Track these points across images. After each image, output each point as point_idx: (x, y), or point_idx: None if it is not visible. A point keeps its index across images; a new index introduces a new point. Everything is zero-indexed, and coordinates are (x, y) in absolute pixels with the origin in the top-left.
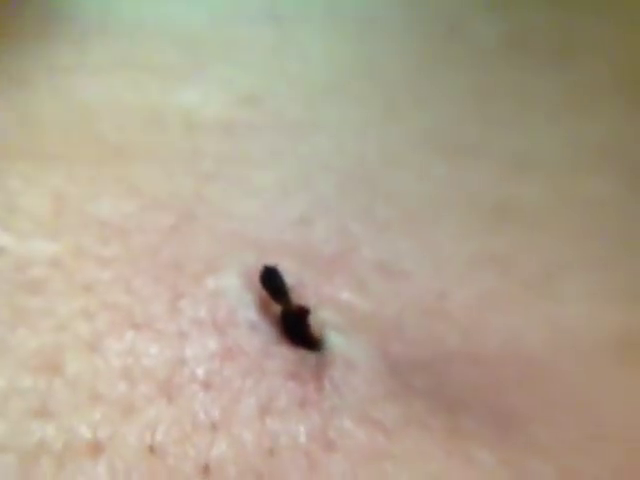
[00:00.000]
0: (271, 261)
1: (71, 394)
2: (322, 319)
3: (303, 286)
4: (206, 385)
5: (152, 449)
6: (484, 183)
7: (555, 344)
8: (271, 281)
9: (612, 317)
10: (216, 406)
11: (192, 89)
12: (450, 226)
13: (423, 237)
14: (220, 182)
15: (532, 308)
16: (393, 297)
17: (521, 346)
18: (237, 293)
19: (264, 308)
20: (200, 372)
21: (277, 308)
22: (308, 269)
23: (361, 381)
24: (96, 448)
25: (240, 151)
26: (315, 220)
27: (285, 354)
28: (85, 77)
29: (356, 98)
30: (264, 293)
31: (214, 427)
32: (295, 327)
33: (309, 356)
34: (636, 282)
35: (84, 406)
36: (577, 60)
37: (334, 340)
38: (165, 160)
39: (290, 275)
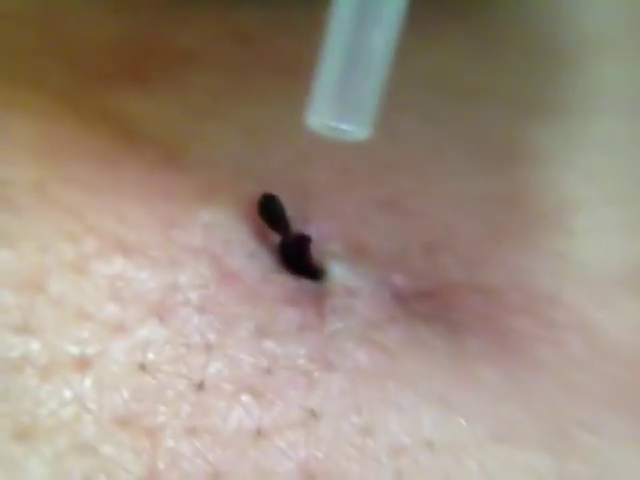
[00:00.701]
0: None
1: (56, 312)
2: (323, 250)
3: (304, 219)
4: (200, 309)
5: (143, 366)
6: (491, 124)
7: (564, 275)
8: (270, 210)
9: (625, 250)
10: (211, 329)
11: None
12: (456, 164)
13: (427, 175)
14: (217, 119)
15: (542, 242)
16: (396, 231)
17: (528, 277)
18: (234, 223)
19: (262, 238)
20: (194, 296)
21: (276, 238)
22: (309, 204)
23: (363, 307)
24: (83, 363)
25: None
26: (316, 157)
27: (284, 281)
28: None
29: None
30: (262, 224)
31: (209, 348)
32: (295, 256)
33: (309, 285)
34: None
35: (70, 324)
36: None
37: (336, 270)
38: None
39: (290, 208)
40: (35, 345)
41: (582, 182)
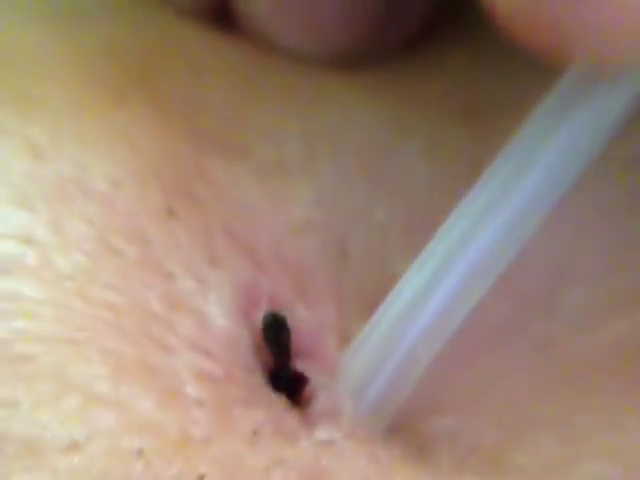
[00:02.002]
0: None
1: (42, 383)
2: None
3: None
4: (199, 402)
5: (141, 452)
6: None
7: None
8: (276, 334)
9: None
10: (209, 423)
11: None
12: None
13: None
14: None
15: None
16: None
17: None
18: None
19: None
20: (192, 389)
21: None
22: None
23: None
24: (73, 445)
25: None
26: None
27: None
28: None
29: None
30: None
31: (207, 442)
32: (286, 388)
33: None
34: None
35: (60, 398)
36: None
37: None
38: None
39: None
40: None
41: None
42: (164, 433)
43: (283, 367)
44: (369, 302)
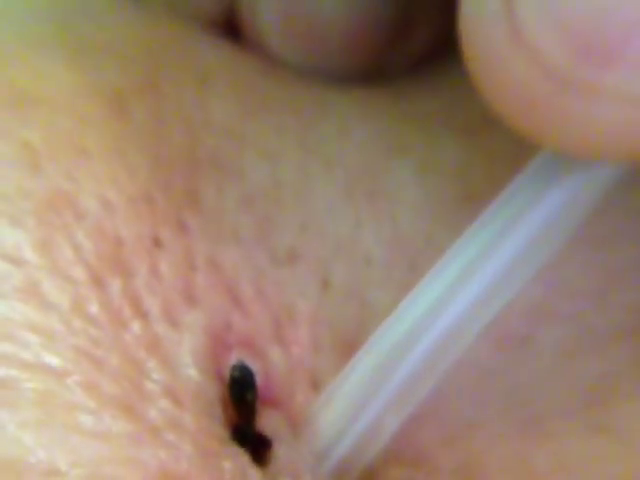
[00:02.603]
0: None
1: None
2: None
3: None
4: None
5: None
6: None
7: None
8: (242, 392)
9: None
10: None
11: None
12: None
13: None
14: None
15: None
16: None
17: None
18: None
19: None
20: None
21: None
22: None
23: None
24: None
25: None
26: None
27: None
28: None
29: None
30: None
31: None
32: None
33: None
34: None
35: None
36: None
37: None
38: None
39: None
40: None
41: None
42: (145, 467)
43: (247, 426)
44: (347, 342)
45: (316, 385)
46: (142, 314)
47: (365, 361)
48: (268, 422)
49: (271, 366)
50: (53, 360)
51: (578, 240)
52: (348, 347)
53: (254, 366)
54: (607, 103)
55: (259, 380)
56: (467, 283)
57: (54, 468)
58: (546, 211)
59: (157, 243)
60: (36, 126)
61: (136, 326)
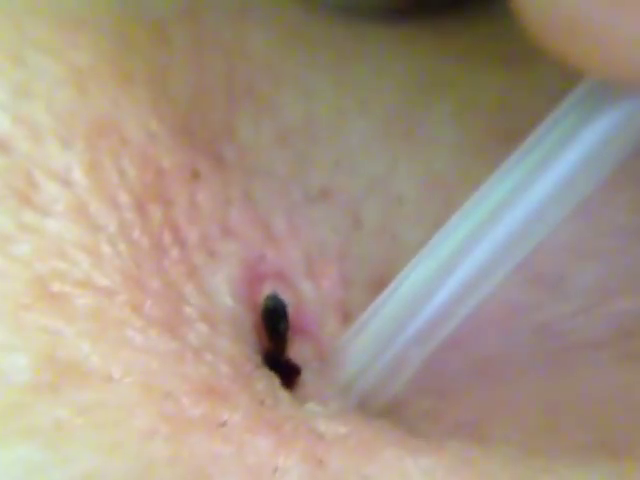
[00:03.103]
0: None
1: None
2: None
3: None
4: None
5: None
6: None
7: None
8: (276, 321)
9: None
10: None
11: None
12: None
13: None
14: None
15: None
16: None
17: None
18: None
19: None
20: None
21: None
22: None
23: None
24: None
25: None
26: None
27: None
28: None
29: None
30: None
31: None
32: (280, 372)
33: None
34: None
35: None
36: None
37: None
38: None
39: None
40: None
41: None
42: (190, 381)
43: (278, 354)
44: (377, 279)
45: (346, 318)
46: (181, 242)
47: (395, 296)
48: (298, 350)
49: (302, 298)
50: (102, 280)
51: (620, 177)
52: (378, 283)
53: (286, 297)
54: None
55: (290, 311)
56: (500, 219)
57: (108, 375)
58: (583, 146)
59: (195, 175)
60: (83, 48)
61: (175, 253)
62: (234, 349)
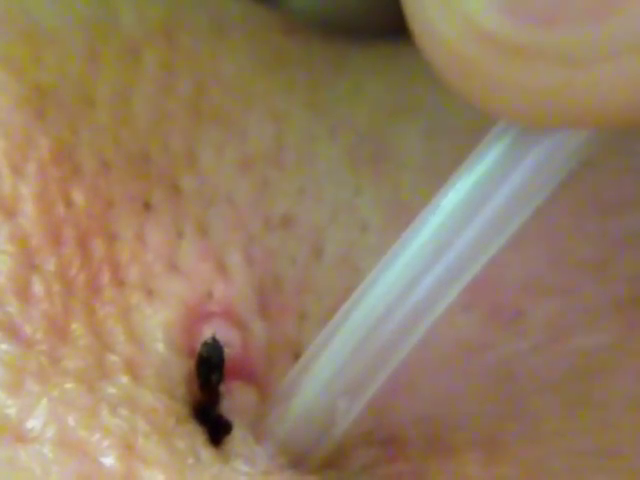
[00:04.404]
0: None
1: None
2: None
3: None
4: None
5: None
6: None
7: None
8: (207, 373)
9: None
10: None
11: None
12: None
13: None
14: None
15: None
16: None
17: None
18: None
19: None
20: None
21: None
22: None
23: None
24: None
25: None
26: None
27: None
28: None
29: None
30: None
31: None
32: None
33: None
34: None
35: None
36: None
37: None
38: None
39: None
40: None
41: None
42: (108, 438)
43: (210, 407)
44: (335, 312)
45: (297, 358)
46: (118, 281)
47: (338, 333)
48: (240, 398)
49: (251, 338)
50: (26, 327)
51: (582, 210)
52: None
53: (232, 338)
54: (546, 66)
55: (236, 353)
56: (444, 250)
57: (25, 429)
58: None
59: (147, 207)
60: (48, 67)
61: (109, 293)
62: (156, 402)
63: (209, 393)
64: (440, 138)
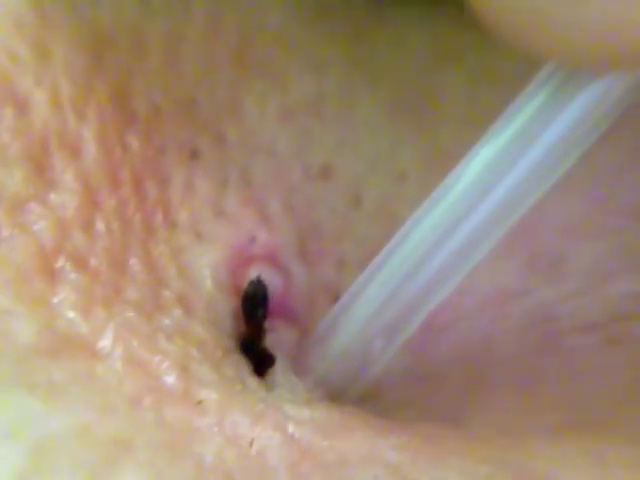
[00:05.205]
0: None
1: None
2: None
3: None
4: None
5: None
6: None
7: None
8: (252, 309)
9: None
10: None
11: None
12: None
13: None
14: None
15: None
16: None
17: None
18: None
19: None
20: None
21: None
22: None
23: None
24: None
25: None
26: None
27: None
28: None
29: None
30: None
31: None
32: (251, 355)
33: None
34: None
35: None
36: None
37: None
38: None
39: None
40: None
41: None
42: (167, 360)
43: (254, 341)
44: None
45: (337, 300)
46: (171, 223)
47: (376, 276)
48: (281, 336)
49: (292, 282)
50: (91, 259)
51: (627, 153)
52: None
53: (275, 281)
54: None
55: (278, 295)
56: (497, 178)
57: (98, 348)
58: (559, 124)
59: (195, 154)
60: (104, 8)
61: (163, 234)
62: (206, 334)
63: (254, 328)
64: (482, 87)
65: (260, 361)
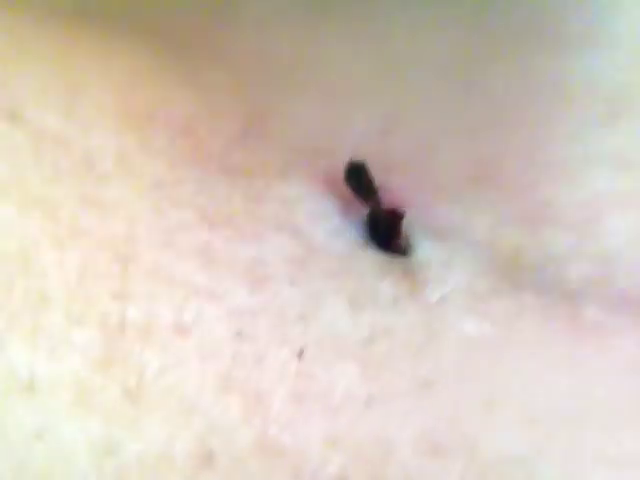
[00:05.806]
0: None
1: (149, 280)
2: (411, 225)
3: (388, 191)
4: (290, 282)
5: (240, 334)
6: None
7: None
8: (358, 178)
9: None
10: (303, 301)
11: None
12: (556, 126)
13: (522, 140)
14: (295, 90)
15: None
16: (488, 204)
17: None
18: (315, 197)
19: (346, 212)
20: (281, 269)
21: (361, 211)
22: (392, 175)
23: (460, 279)
24: (182, 329)
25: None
26: (397, 127)
27: (373, 256)
28: None
29: None
30: (347, 197)
31: (303, 318)
32: (384, 231)
33: (399, 258)
34: None
35: (164, 292)
36: None
37: (425, 246)
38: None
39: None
40: (133, 311)
41: None
42: (259, 316)
43: (375, 208)
44: None
45: None
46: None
47: None
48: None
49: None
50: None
51: None
52: None
53: None
54: None
55: None
56: None
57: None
58: None
59: (247, 134)
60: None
61: (241, 181)
62: (315, 248)
63: (367, 194)
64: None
65: (391, 223)
